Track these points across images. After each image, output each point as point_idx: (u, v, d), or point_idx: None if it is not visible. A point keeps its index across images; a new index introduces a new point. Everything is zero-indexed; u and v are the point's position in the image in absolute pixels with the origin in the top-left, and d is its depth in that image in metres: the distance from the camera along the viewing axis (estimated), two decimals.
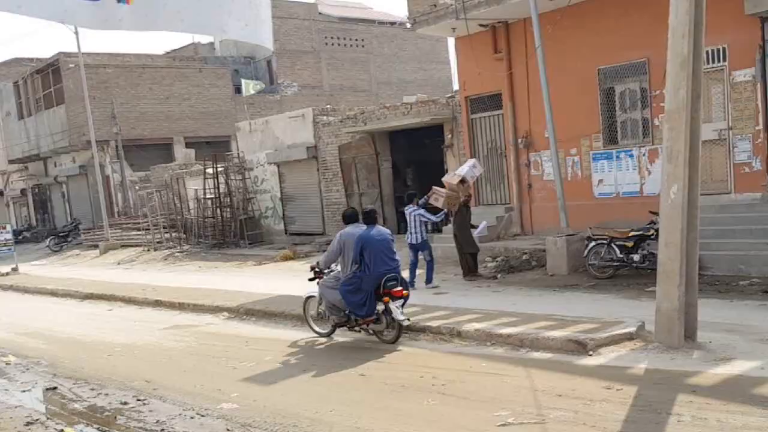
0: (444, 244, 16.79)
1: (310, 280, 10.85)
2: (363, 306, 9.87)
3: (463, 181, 14.57)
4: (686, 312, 8.17)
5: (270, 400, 7.75)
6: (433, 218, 14.25)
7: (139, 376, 9.32)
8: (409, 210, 14.22)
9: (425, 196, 14.80)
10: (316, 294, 10.85)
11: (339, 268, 10.41)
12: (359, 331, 10.43)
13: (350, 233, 10.07)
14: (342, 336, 10.73)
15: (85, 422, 7.60)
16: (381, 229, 10.21)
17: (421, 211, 14.12)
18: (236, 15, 4.38)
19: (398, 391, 7.69)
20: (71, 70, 33.83)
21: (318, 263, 10.79)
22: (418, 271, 14.12)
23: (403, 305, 9.92)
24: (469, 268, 14.58)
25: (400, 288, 9.87)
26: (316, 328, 11.04)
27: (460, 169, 15.12)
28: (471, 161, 15.55)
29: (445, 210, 14.80)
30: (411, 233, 14.14)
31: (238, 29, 4.48)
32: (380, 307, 9.86)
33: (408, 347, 9.74)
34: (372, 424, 6.70)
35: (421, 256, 14.20)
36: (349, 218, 10.49)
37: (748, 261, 11.84)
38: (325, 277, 10.63)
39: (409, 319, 9.99)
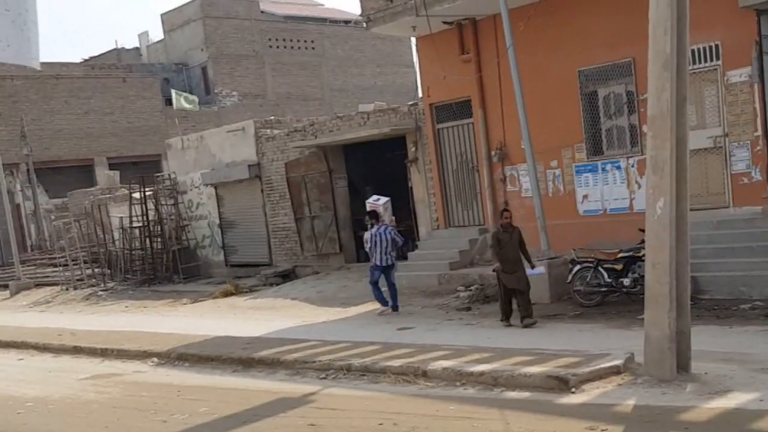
0: (410, 272, 16.94)
1: None
2: None
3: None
4: (678, 340, 8.37)
5: None
6: (400, 240, 15.18)
7: None
8: (380, 229, 14.84)
9: None
10: None
11: None
12: None
13: None
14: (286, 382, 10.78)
15: None
16: None
17: (391, 229, 15.00)
18: None
19: None
20: None
21: None
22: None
23: None
24: (524, 309, 12.54)
25: None
26: None
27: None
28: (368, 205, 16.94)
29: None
30: (382, 254, 14.75)
31: (0, 50, 4.81)
32: None
33: (365, 391, 9.81)
34: None
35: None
36: None
37: (749, 282, 12.13)
38: None
39: None
